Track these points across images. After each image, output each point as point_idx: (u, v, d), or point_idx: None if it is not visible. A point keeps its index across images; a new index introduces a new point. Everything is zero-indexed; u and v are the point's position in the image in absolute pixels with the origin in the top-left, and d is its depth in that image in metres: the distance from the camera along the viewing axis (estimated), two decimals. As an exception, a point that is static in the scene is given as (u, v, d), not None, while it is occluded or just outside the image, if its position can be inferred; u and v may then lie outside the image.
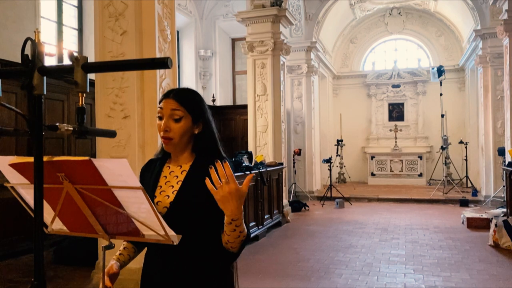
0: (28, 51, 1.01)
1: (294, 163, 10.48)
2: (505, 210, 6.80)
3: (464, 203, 9.62)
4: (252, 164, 6.80)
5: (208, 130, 1.59)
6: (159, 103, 1.56)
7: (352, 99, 14.74)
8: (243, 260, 5.01)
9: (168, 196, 1.53)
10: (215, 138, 1.61)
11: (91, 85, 1.14)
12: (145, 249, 1.65)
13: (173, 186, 1.55)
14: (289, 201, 8.83)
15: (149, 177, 1.61)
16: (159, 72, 4.11)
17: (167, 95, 1.55)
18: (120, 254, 1.61)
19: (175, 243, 1.29)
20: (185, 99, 1.55)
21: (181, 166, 1.58)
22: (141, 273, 1.62)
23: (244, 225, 1.41)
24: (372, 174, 13.61)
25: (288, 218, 8.03)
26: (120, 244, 1.62)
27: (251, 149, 8.14)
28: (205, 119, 1.58)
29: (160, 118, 1.54)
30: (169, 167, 1.61)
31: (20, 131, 1.18)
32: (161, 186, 1.57)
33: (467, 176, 11.34)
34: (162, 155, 1.64)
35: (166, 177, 1.59)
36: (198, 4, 11.30)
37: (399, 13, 14.25)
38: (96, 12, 4.17)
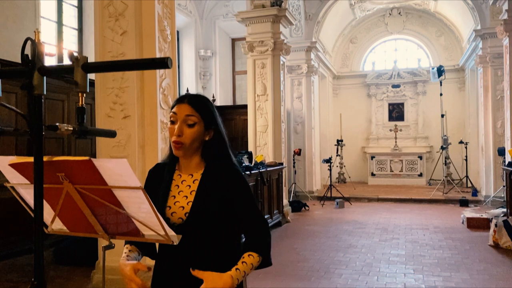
0: (28, 51, 1.01)
1: (294, 163, 10.47)
2: (505, 210, 6.79)
3: (464, 203, 9.61)
4: (252, 164, 6.81)
5: (220, 137, 1.59)
6: (172, 108, 1.56)
7: (352, 99, 14.73)
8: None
9: (183, 208, 1.53)
10: (226, 145, 1.61)
11: (91, 85, 1.14)
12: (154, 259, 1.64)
13: (187, 197, 1.55)
14: (289, 201, 8.82)
15: (158, 182, 1.61)
16: (159, 72, 4.10)
17: (181, 100, 1.56)
18: (127, 255, 1.57)
19: (175, 243, 1.29)
20: (200, 105, 1.55)
21: (192, 175, 1.59)
22: (151, 281, 1.62)
23: (251, 264, 1.46)
24: (372, 174, 13.61)
25: (288, 218, 8.03)
26: (120, 244, 1.61)
27: (251, 149, 8.14)
28: (217, 126, 1.59)
29: (173, 123, 1.54)
30: (180, 175, 1.60)
31: (20, 131, 1.18)
32: (174, 196, 1.57)
33: (467, 176, 11.34)
34: (170, 160, 1.63)
35: (178, 186, 1.58)
36: (198, 4, 11.29)
37: (399, 13, 14.24)
38: (96, 12, 4.17)
